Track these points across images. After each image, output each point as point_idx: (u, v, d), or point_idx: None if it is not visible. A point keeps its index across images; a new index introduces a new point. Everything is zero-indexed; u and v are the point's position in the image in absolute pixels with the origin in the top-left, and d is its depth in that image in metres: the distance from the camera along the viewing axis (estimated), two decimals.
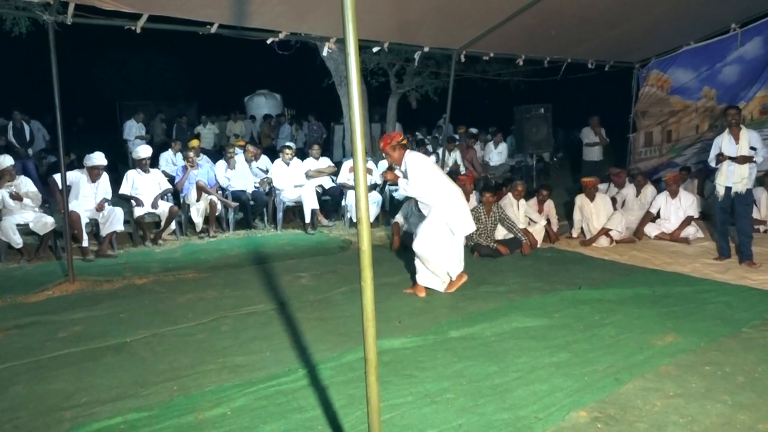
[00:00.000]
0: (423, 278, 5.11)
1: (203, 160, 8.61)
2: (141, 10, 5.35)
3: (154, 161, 8.33)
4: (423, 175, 4.90)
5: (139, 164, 7.36)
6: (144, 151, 7.48)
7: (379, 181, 8.55)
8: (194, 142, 8.87)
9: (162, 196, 7.34)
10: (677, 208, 7.26)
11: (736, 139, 5.82)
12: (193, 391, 3.24)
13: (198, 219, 7.63)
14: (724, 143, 5.89)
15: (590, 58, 8.75)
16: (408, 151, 5.00)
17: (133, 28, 5.49)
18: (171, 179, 8.09)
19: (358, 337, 2.18)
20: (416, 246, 5.01)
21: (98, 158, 6.71)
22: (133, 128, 12.49)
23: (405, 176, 4.98)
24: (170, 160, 9.21)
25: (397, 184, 5.24)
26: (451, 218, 4.95)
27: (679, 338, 3.91)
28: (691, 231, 7.11)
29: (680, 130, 9.43)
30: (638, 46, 8.84)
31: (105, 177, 6.83)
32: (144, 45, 17.06)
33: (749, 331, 4.05)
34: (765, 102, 8.26)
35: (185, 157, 7.91)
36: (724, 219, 6.09)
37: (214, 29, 5.85)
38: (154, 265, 6.20)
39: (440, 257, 5.01)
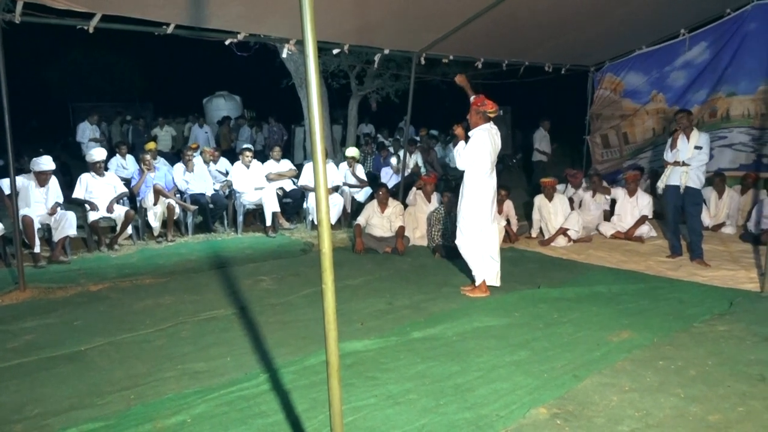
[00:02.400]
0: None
1: (160, 162, 8.44)
2: (94, 9, 5.21)
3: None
4: (474, 153, 4.94)
5: (93, 167, 7.16)
6: (98, 153, 7.29)
7: (341, 184, 8.54)
8: (151, 145, 8.68)
9: (118, 200, 7.15)
10: (633, 206, 7.49)
11: (688, 138, 6.03)
12: (151, 399, 3.17)
13: (155, 223, 7.46)
14: (678, 143, 6.09)
15: (547, 61, 8.93)
16: (487, 125, 4.98)
17: (85, 27, 5.34)
18: (127, 183, 7.90)
19: (321, 340, 2.17)
20: (458, 242, 5.14)
21: (45, 163, 6.48)
22: (86, 130, 12.15)
23: (465, 143, 5.02)
24: (120, 164, 8.97)
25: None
26: (472, 210, 4.99)
27: (634, 334, 4.02)
28: (645, 230, 7.33)
29: (636, 133, 9.70)
30: (593, 50, 9.07)
31: (54, 181, 6.60)
32: (98, 45, 16.64)
33: (700, 325, 4.20)
34: (714, 105, 8.58)
35: (141, 160, 7.73)
36: (676, 218, 6.30)
37: (170, 30, 5.74)
38: (110, 270, 6.04)
39: (471, 250, 5.06)
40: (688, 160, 5.98)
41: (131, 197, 7.70)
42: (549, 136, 11.28)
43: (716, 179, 7.79)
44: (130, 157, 9.20)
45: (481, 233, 5.03)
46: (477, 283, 5.10)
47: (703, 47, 8.62)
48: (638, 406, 3.02)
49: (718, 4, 8.02)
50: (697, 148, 5.98)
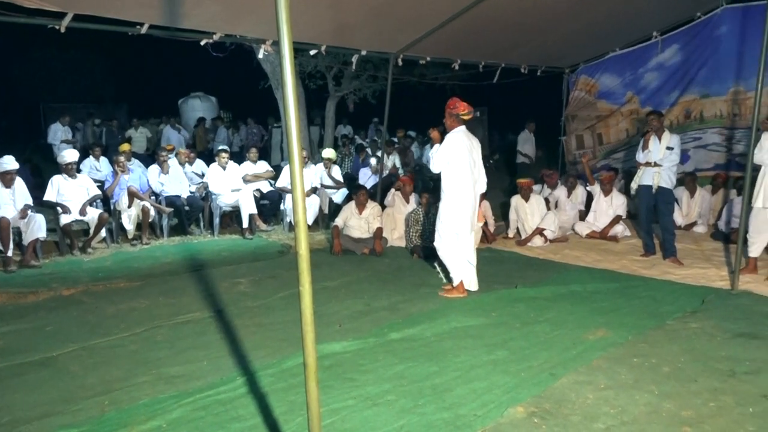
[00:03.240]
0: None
1: (135, 164, 8.32)
2: (65, 8, 5.12)
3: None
4: (445, 156, 4.93)
5: (65, 169, 7.03)
6: (70, 155, 7.15)
7: (318, 185, 8.51)
8: (125, 147, 8.55)
9: (91, 202, 7.03)
10: (608, 206, 7.60)
11: (659, 139, 6.14)
12: (126, 404, 3.12)
13: (130, 226, 7.35)
14: (649, 145, 6.19)
15: (523, 63, 9.01)
16: (461, 128, 4.97)
17: (57, 27, 5.24)
18: (101, 185, 7.77)
19: (298, 342, 2.16)
20: (436, 244, 5.13)
21: (8, 162, 6.33)
22: (58, 132, 11.94)
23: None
24: (93, 166, 8.82)
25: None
26: (448, 213, 4.99)
27: (609, 332, 4.07)
28: (620, 229, 7.44)
29: (610, 134, 9.84)
30: (568, 52, 9.18)
31: (20, 182, 6.45)
32: (70, 45, 16.37)
33: (673, 323, 4.27)
34: (688, 107, 8.75)
35: (115, 162, 7.61)
36: (649, 217, 6.41)
37: (144, 30, 5.67)
38: (83, 274, 5.94)
39: (449, 252, 5.06)
40: (660, 160, 6.09)
41: (105, 200, 7.58)
42: (534, 139, 11.31)
43: (687, 179, 7.94)
44: (103, 159, 9.05)
45: (457, 237, 5.03)
46: (455, 284, 5.12)
47: (675, 49, 8.79)
48: (613, 403, 3.06)
49: (688, 8, 8.17)
50: (669, 149, 6.09)
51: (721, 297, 4.89)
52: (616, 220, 7.46)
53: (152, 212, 7.43)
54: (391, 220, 7.31)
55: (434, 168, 5.06)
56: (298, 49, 7.59)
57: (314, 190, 8.29)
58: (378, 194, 8.23)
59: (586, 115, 10.03)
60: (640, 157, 6.28)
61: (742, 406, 3.00)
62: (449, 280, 5.23)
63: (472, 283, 5.15)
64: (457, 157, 4.92)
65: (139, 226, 7.43)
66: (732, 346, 3.80)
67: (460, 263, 5.08)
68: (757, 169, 5.32)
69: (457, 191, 4.96)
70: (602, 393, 3.17)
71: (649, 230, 6.47)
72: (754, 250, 5.54)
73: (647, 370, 3.46)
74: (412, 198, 7.46)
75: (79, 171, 7.54)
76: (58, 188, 6.92)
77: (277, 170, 8.88)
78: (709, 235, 7.47)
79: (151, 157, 11.25)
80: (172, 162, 8.17)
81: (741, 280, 5.12)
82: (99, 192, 7.34)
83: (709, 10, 8.20)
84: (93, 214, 6.90)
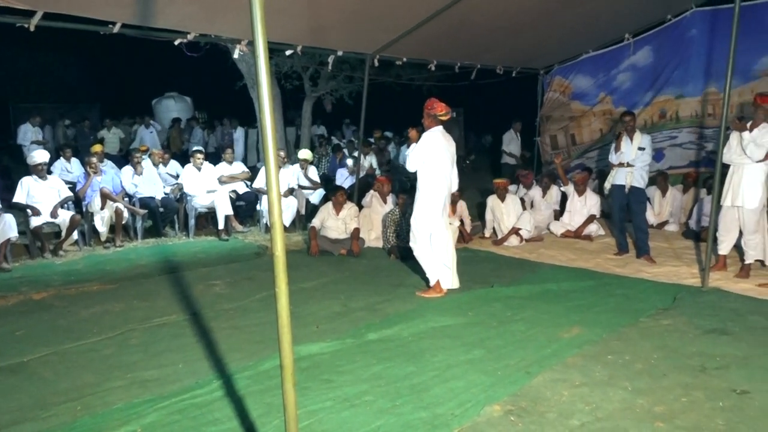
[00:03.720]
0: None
1: (107, 165, 8.19)
2: (35, 6, 5.02)
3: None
4: (420, 156, 4.95)
5: (34, 170, 6.88)
6: (39, 155, 7.01)
7: (295, 186, 8.47)
8: (97, 147, 8.40)
9: (62, 204, 6.90)
10: (582, 206, 7.70)
11: (631, 140, 6.25)
12: (100, 409, 3.07)
13: (103, 228, 7.22)
14: (621, 146, 6.29)
15: (498, 64, 9.08)
16: (438, 127, 5.00)
17: (26, 26, 5.13)
18: (72, 187, 7.64)
19: (275, 344, 2.15)
20: (412, 244, 5.15)
21: None
22: (28, 132, 11.69)
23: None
24: (64, 168, 8.66)
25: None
26: (421, 213, 5.01)
27: (583, 330, 4.13)
28: (594, 228, 7.55)
29: (583, 134, 9.97)
30: (542, 54, 9.28)
31: None
32: (40, 44, 16.01)
33: (646, 320, 4.35)
34: (663, 107, 8.92)
35: (87, 163, 7.48)
36: (622, 216, 6.51)
37: (116, 29, 5.58)
38: (55, 278, 5.83)
39: (425, 253, 5.08)
40: (632, 161, 6.20)
41: (77, 201, 7.45)
42: (520, 139, 11.15)
43: (659, 178, 8.09)
44: (75, 161, 8.89)
45: (431, 237, 5.05)
46: (431, 284, 5.14)
47: (647, 51, 8.94)
48: (588, 400, 3.10)
49: (659, 11, 8.32)
50: (641, 149, 6.19)
51: (692, 294, 4.99)
52: (591, 219, 7.57)
53: (126, 214, 7.32)
54: (368, 220, 7.31)
55: (410, 167, 5.08)
56: (274, 50, 7.55)
57: (291, 191, 8.25)
58: (355, 195, 8.23)
59: (560, 116, 10.15)
60: (613, 158, 6.39)
61: (713, 400, 3.06)
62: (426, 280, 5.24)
63: (450, 282, 5.17)
64: (433, 157, 4.95)
65: (112, 228, 7.31)
66: (702, 342, 3.88)
67: (435, 263, 5.10)
68: (726, 168, 5.44)
69: (431, 190, 4.98)
70: (577, 390, 3.21)
71: (622, 229, 6.58)
72: (724, 248, 5.66)
73: (621, 366, 3.52)
74: (390, 198, 7.47)
75: (49, 172, 7.40)
76: (28, 190, 6.77)
77: (254, 171, 8.81)
78: (681, 233, 7.62)
79: (124, 158, 11.09)
80: (146, 163, 8.07)
81: (711, 277, 5.23)
82: (70, 194, 7.21)
83: (680, 13, 8.37)
84: (64, 216, 6.77)
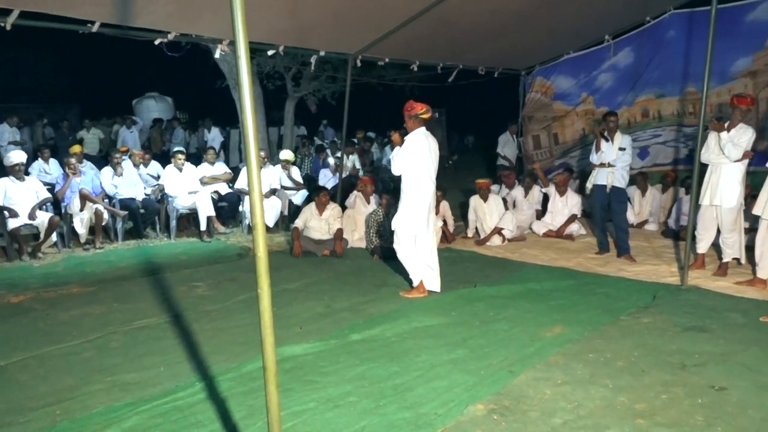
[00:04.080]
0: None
1: (87, 166, 8.09)
2: (11, 5, 4.95)
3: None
4: (406, 158, 4.95)
5: (11, 171, 6.77)
6: (16, 156, 6.89)
7: (278, 187, 8.44)
8: (76, 148, 8.29)
9: (40, 206, 6.80)
10: (564, 206, 7.77)
11: (612, 140, 6.32)
12: (79, 414, 3.02)
13: (82, 230, 7.12)
14: (601, 146, 6.36)
15: (480, 64, 9.13)
16: (421, 129, 5.00)
17: (2, 24, 5.06)
18: (51, 188, 7.53)
19: (258, 345, 2.14)
20: (395, 246, 5.16)
21: None
22: (5, 133, 11.51)
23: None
24: (42, 169, 8.53)
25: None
26: (407, 214, 5.02)
27: (565, 329, 4.17)
28: (575, 228, 7.62)
29: (566, 134, 10.08)
30: (524, 55, 9.34)
31: None
32: (17, 43, 15.76)
33: (626, 318, 4.40)
34: (645, 106, 9.05)
35: (66, 164, 7.38)
36: (603, 216, 6.58)
37: (95, 28, 5.52)
38: (33, 280, 5.73)
39: (407, 254, 5.09)
40: (614, 161, 6.26)
41: (55, 203, 7.34)
42: (516, 141, 10.70)
43: (639, 178, 8.19)
44: (53, 161, 8.77)
45: (415, 239, 5.06)
46: (414, 284, 5.15)
47: (627, 52, 9.06)
48: (570, 398, 3.12)
49: (638, 12, 8.42)
50: (621, 149, 6.26)
51: (671, 292, 5.05)
52: (572, 219, 7.64)
53: (106, 215, 7.24)
54: (351, 221, 7.30)
55: (395, 170, 5.08)
56: (256, 50, 7.52)
57: (273, 192, 8.21)
58: (338, 195, 8.21)
59: (542, 116, 10.23)
60: (594, 158, 6.45)
61: (692, 397, 3.11)
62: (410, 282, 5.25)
63: (433, 284, 5.17)
64: (418, 159, 4.95)
65: (92, 230, 7.22)
66: (682, 340, 3.93)
67: (419, 264, 5.11)
68: (705, 167, 5.53)
69: (416, 192, 4.99)
70: (559, 388, 3.24)
71: (603, 228, 6.65)
72: (702, 247, 5.75)
73: (602, 365, 3.55)
74: (373, 199, 7.47)
75: (27, 174, 7.28)
76: (5, 191, 6.66)
77: (236, 172, 8.76)
78: (660, 232, 7.73)
79: (104, 158, 10.96)
80: (126, 164, 7.98)
81: (690, 275, 5.31)
82: (49, 195, 7.10)
83: (658, 15, 8.48)
84: (43, 217, 6.67)
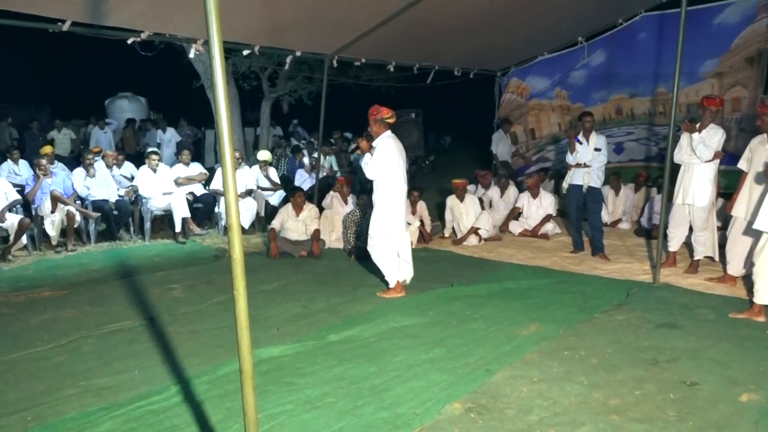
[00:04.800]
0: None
1: (58, 167, 7.93)
2: None
3: None
4: (382, 162, 4.99)
5: None
6: None
7: (254, 187, 8.38)
8: (47, 149, 8.12)
9: (10, 208, 6.65)
10: (538, 207, 7.84)
11: (588, 140, 6.40)
12: (51, 419, 2.97)
13: (53, 232, 6.99)
14: (576, 147, 6.44)
15: (456, 65, 9.18)
16: (388, 132, 5.07)
17: None
18: (21, 190, 7.37)
19: (235, 348, 2.12)
20: (369, 248, 5.18)
21: None
22: None
23: (371, 154, 5.07)
24: (11, 170, 8.35)
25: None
26: (384, 216, 5.05)
27: (541, 327, 4.21)
28: (550, 227, 7.70)
29: (542, 128, 10.21)
30: (499, 56, 9.42)
31: None
32: None
33: (601, 316, 4.46)
34: (619, 104, 9.23)
35: (37, 165, 7.23)
36: (579, 215, 6.66)
37: (66, 27, 5.41)
38: (2, 284, 5.60)
39: (389, 260, 5.12)
40: (589, 161, 6.35)
41: (26, 205, 7.19)
42: (509, 139, 10.38)
43: (612, 177, 8.32)
44: (23, 162, 8.59)
45: (389, 237, 5.09)
46: (391, 285, 5.16)
47: (600, 53, 9.22)
48: (546, 395, 3.16)
49: (611, 15, 8.56)
50: (597, 149, 6.35)
51: (644, 290, 5.14)
52: (547, 218, 7.72)
53: (78, 217, 7.11)
54: (329, 221, 7.28)
55: (369, 175, 5.11)
56: (231, 49, 7.45)
57: (249, 193, 8.15)
58: (315, 196, 8.19)
59: (518, 115, 10.34)
60: (570, 159, 6.52)
61: (664, 392, 3.17)
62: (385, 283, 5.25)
63: (408, 274, 5.27)
64: (390, 164, 5.02)
65: (63, 233, 7.08)
66: (654, 336, 4.01)
67: (394, 264, 5.14)
68: (678, 167, 5.63)
69: (391, 196, 5.05)
70: (535, 386, 3.27)
71: (578, 228, 6.73)
72: (674, 245, 5.86)
73: (577, 362, 3.60)
74: (350, 199, 7.46)
75: None
76: None
77: (212, 173, 8.68)
78: (633, 231, 7.85)
79: (76, 159, 10.77)
80: (99, 165, 7.84)
81: (662, 273, 5.41)
82: (19, 197, 6.96)
83: (630, 17, 8.64)
84: (12, 220, 6.52)
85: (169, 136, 13.07)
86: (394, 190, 5.04)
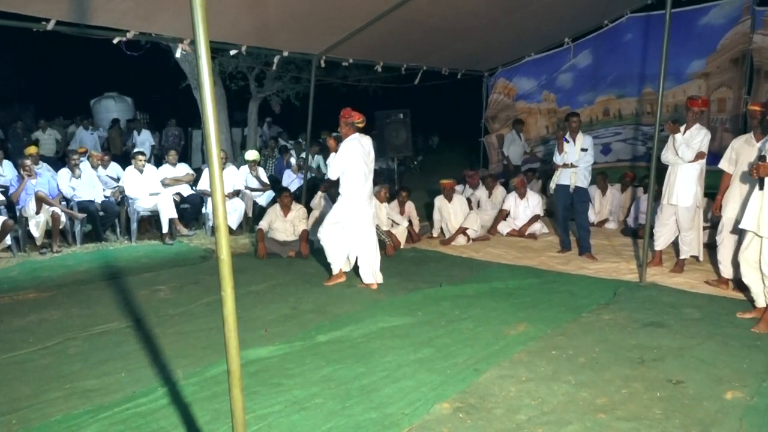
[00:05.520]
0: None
1: (43, 168, 7.84)
2: None
3: None
4: (341, 163, 5.22)
5: None
6: None
7: (242, 188, 8.34)
8: (31, 149, 8.04)
9: None
10: (525, 207, 7.88)
11: (574, 141, 6.44)
12: (36, 422, 2.94)
13: (38, 233, 6.92)
14: (564, 147, 6.48)
15: (444, 66, 9.20)
16: (356, 134, 5.30)
17: None
18: (5, 191, 7.28)
19: (222, 349, 2.11)
20: (318, 233, 5.43)
21: None
22: None
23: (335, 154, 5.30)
24: None
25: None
26: (344, 213, 5.27)
27: (529, 327, 4.23)
28: (538, 227, 7.74)
29: (530, 131, 10.26)
30: (486, 57, 9.46)
31: None
32: None
33: (588, 315, 4.49)
34: (606, 105, 9.32)
35: (21, 166, 7.15)
36: (566, 215, 6.70)
37: (50, 26, 5.35)
38: None
39: (333, 247, 5.37)
40: (576, 162, 6.39)
41: (9, 206, 7.11)
42: (523, 140, 10.04)
43: (599, 178, 8.37)
44: (7, 163, 8.47)
45: (343, 231, 5.33)
46: (334, 272, 5.49)
47: (586, 54, 9.30)
48: (534, 394, 3.18)
49: (597, 16, 8.63)
50: (584, 150, 6.39)
51: (630, 289, 5.18)
52: (535, 218, 7.75)
53: (63, 218, 7.04)
54: (317, 222, 7.26)
55: (332, 174, 5.34)
56: (218, 49, 7.41)
57: (237, 193, 8.12)
58: (303, 196, 8.16)
59: (506, 116, 10.39)
60: (558, 159, 6.55)
61: (651, 391, 3.19)
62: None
63: (373, 278, 5.40)
64: (353, 164, 5.23)
65: (48, 234, 7.01)
66: (641, 335, 4.04)
67: (340, 253, 5.45)
68: (666, 167, 5.67)
69: (352, 194, 5.27)
70: (524, 385, 3.29)
71: (565, 227, 6.77)
72: (659, 244, 5.90)
73: (565, 361, 3.62)
74: None
75: None
76: None
77: (198, 173, 8.63)
78: (620, 230, 7.91)
79: (61, 160, 10.66)
80: (84, 165, 7.77)
81: (648, 272, 5.45)
82: (2, 198, 6.88)
83: (616, 18, 8.71)
84: None
85: (143, 139, 12.80)
86: (354, 190, 5.26)
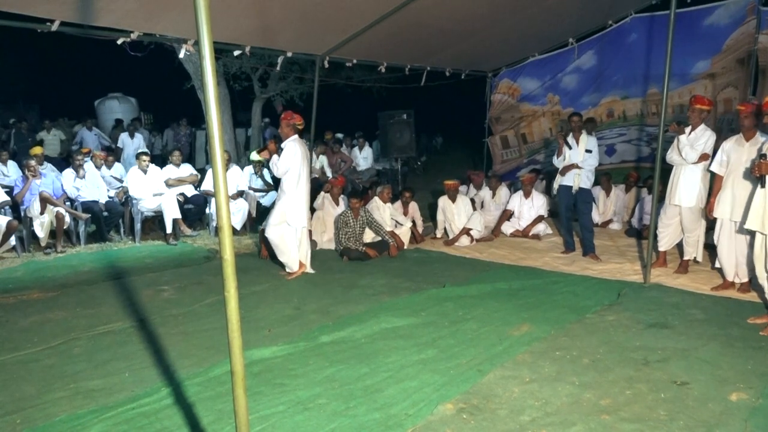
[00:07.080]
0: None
1: (48, 168, 7.87)
2: None
3: None
4: (288, 162, 5.56)
5: None
6: None
7: (246, 188, 8.35)
8: (36, 149, 8.07)
9: None
10: (530, 207, 7.86)
11: (577, 142, 6.43)
12: (41, 422, 2.95)
13: (42, 233, 6.94)
14: (563, 149, 6.47)
15: (447, 66, 9.20)
16: (295, 136, 5.68)
17: None
18: (9, 191, 7.30)
19: (226, 349, 2.12)
20: (266, 234, 5.77)
21: None
22: None
23: (278, 156, 5.65)
24: (0, 171, 8.29)
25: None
26: (287, 209, 5.64)
27: (533, 327, 4.22)
28: (542, 228, 7.73)
29: (534, 133, 10.24)
30: (490, 57, 9.45)
31: None
32: None
33: (592, 316, 4.48)
34: (611, 107, 9.28)
35: (26, 166, 7.18)
36: (569, 216, 6.68)
37: (55, 27, 5.37)
38: None
39: (283, 243, 5.71)
40: (581, 163, 6.37)
41: (14, 206, 7.13)
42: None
43: (603, 179, 8.35)
44: (11, 163, 8.52)
45: (289, 227, 5.67)
46: (294, 269, 5.79)
47: (590, 55, 9.27)
48: (538, 395, 3.17)
49: (601, 16, 8.60)
50: (588, 151, 6.37)
51: (634, 290, 5.17)
52: (539, 219, 7.74)
53: (67, 218, 7.06)
54: (320, 222, 7.27)
55: (278, 173, 5.65)
56: (221, 50, 7.43)
57: (241, 194, 8.13)
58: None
59: (510, 117, 10.38)
60: (557, 162, 6.56)
61: (655, 392, 3.18)
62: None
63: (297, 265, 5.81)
64: (296, 163, 5.60)
65: (53, 234, 7.03)
66: (645, 336, 4.02)
67: (293, 248, 5.74)
68: (668, 168, 5.65)
69: (295, 191, 5.63)
70: (527, 386, 3.28)
71: (569, 228, 6.75)
72: (664, 245, 5.88)
73: (568, 362, 3.61)
74: (341, 200, 7.46)
75: None
76: None
77: (202, 174, 8.64)
78: (624, 231, 7.89)
79: (65, 160, 10.68)
80: (89, 166, 7.79)
81: (652, 273, 5.43)
82: (7, 198, 6.90)
83: (620, 19, 8.69)
84: (0, 221, 6.47)
85: (130, 141, 12.15)
86: (297, 188, 5.63)
